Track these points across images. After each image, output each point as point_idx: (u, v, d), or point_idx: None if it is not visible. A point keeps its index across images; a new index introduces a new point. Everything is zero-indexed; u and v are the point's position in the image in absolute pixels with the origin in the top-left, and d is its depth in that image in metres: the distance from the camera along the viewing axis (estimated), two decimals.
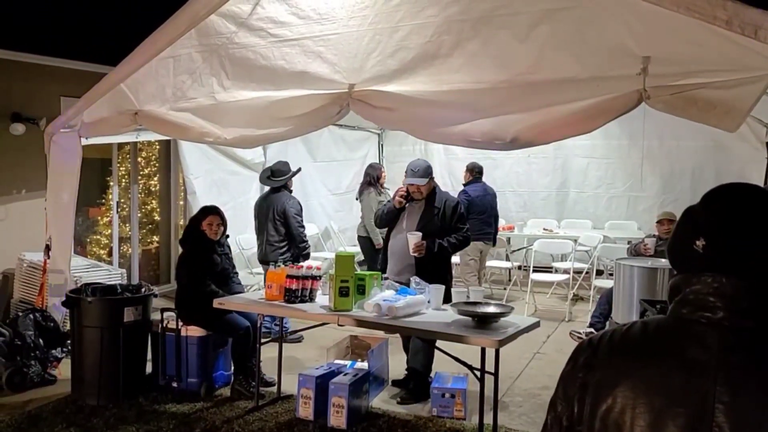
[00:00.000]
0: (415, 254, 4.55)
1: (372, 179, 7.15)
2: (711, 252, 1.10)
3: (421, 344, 4.64)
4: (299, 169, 6.37)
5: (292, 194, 6.23)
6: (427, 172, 4.70)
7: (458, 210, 4.77)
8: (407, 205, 4.79)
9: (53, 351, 5.18)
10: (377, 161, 10.42)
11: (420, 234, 4.54)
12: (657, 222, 6.43)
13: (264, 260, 6.05)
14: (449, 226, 4.70)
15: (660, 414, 1.04)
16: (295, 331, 5.78)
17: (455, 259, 7.81)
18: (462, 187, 7.57)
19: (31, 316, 5.16)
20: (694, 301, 1.11)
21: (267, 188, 6.39)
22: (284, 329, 5.83)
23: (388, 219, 4.86)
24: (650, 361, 1.09)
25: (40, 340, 5.08)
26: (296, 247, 6.04)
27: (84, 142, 5.19)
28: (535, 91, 3.49)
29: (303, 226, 6.14)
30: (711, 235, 1.11)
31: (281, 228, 6.01)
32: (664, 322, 1.15)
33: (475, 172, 7.51)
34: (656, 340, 1.12)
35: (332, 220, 9.26)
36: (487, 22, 3.59)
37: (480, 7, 3.58)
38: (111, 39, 6.96)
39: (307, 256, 6.07)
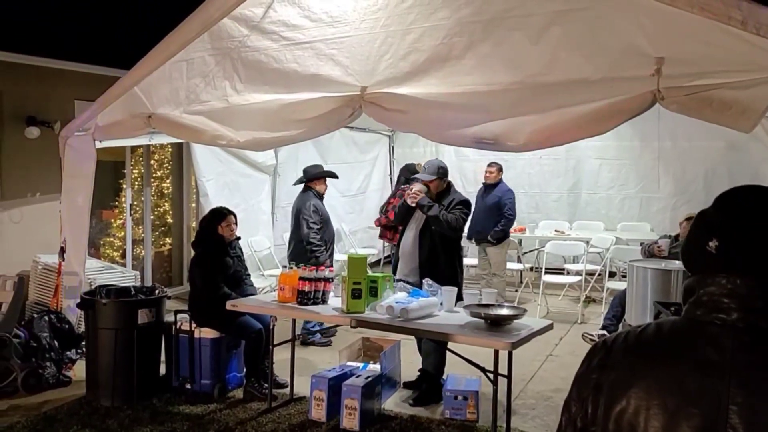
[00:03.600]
0: (410, 200, 4.70)
1: (408, 180, 7.15)
2: (724, 253, 1.11)
3: (433, 346, 4.65)
4: (324, 172, 6.29)
5: (317, 196, 6.19)
6: (435, 169, 4.78)
7: (460, 204, 4.75)
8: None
9: (68, 352, 5.23)
10: (388, 163, 10.45)
11: (423, 187, 4.71)
12: (685, 220, 6.29)
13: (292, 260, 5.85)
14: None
15: (674, 415, 1.04)
16: (317, 331, 5.86)
17: (471, 260, 7.86)
18: (479, 186, 7.74)
19: (46, 317, 5.21)
20: (708, 302, 1.11)
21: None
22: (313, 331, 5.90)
23: (402, 217, 4.94)
24: (664, 362, 1.09)
25: (55, 342, 5.12)
26: (304, 248, 5.97)
27: (98, 145, 5.23)
28: (548, 92, 3.48)
29: (312, 228, 5.96)
30: (723, 235, 1.11)
31: (297, 229, 6.00)
32: (679, 323, 1.15)
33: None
34: (670, 341, 1.12)
35: (343, 222, 9.27)
36: (499, 24, 3.59)
37: (492, 9, 3.58)
38: (125, 43, 7.03)
39: (317, 261, 5.85)
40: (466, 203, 4.81)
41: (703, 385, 1.04)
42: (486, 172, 7.67)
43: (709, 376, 1.04)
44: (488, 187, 7.59)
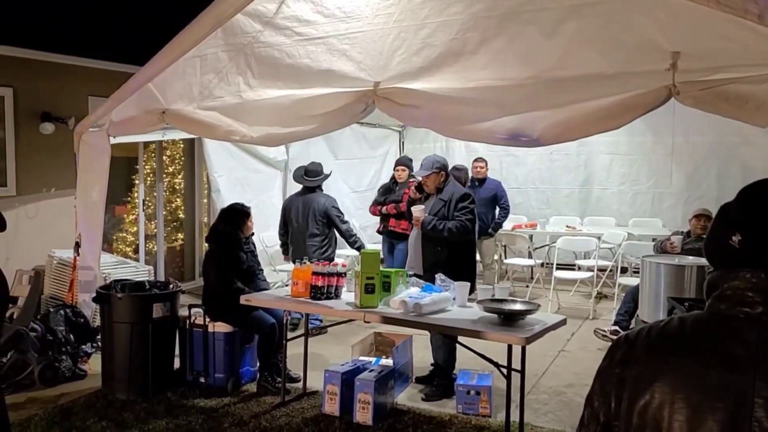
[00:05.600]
0: (415, 225, 4.83)
1: (460, 182, 7.20)
2: (747, 247, 1.11)
3: (442, 339, 4.68)
4: (330, 173, 6.51)
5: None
6: (431, 164, 4.85)
7: (463, 200, 4.77)
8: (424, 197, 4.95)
9: (83, 346, 5.28)
10: (398, 158, 10.43)
11: (423, 207, 4.80)
12: (694, 216, 6.28)
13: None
14: (452, 216, 4.74)
15: (698, 409, 1.05)
16: (323, 328, 5.85)
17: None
18: (474, 181, 7.76)
19: (62, 311, 5.25)
20: (732, 296, 1.11)
21: (292, 187, 6.52)
22: (316, 324, 5.91)
23: (408, 213, 5.05)
24: (688, 356, 1.09)
25: (71, 336, 5.17)
26: (348, 243, 6.40)
27: (111, 140, 5.27)
28: (562, 87, 3.48)
29: (347, 222, 6.41)
30: (747, 229, 1.11)
31: (324, 228, 6.21)
32: (702, 317, 1.15)
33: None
34: (694, 335, 1.12)
35: (353, 217, 9.27)
36: (512, 19, 3.58)
37: (506, 4, 3.58)
38: (138, 39, 7.06)
39: (360, 248, 6.24)
40: (468, 198, 4.81)
41: (727, 379, 1.04)
42: (476, 167, 7.84)
43: (734, 370, 1.04)
44: (479, 182, 7.75)
